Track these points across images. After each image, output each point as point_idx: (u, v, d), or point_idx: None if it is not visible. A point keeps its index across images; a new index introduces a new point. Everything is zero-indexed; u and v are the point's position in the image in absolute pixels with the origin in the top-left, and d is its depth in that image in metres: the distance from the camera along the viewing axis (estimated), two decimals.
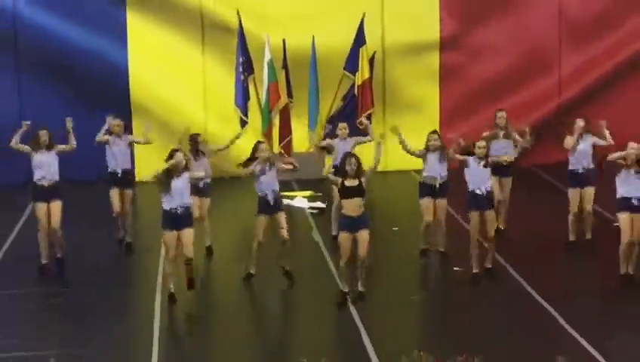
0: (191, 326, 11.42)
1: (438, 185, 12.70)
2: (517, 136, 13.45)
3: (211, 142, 14.54)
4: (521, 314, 11.25)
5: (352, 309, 11.28)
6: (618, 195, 11.70)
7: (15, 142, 12.64)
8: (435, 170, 12.71)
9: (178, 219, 11.46)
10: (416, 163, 13.30)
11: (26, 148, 12.63)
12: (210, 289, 11.87)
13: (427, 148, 12.73)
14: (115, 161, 13.48)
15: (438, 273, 12.94)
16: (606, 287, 11.79)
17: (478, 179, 12.01)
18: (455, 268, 12.42)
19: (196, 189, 12.77)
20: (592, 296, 11.63)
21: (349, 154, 11.56)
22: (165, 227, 11.58)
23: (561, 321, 10.81)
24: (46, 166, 12.57)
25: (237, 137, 13.49)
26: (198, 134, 13.37)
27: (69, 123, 12.77)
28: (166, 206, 11.49)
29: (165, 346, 10.48)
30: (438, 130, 17.42)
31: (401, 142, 12.70)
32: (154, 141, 13.79)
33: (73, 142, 12.75)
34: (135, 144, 13.97)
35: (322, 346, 10.32)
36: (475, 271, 12.15)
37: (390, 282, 12.21)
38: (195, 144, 13.05)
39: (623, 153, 11.56)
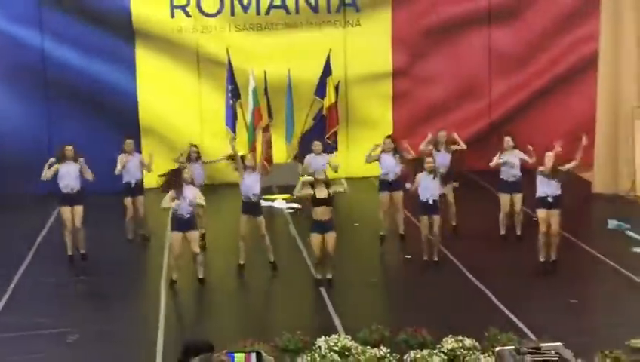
0: (190, 305, 11.46)
1: (392, 181, 12.88)
2: (453, 147, 13.61)
3: (207, 154, 14.54)
4: (460, 292, 11.35)
5: (322, 290, 11.35)
6: (537, 194, 11.83)
7: (44, 175, 12.60)
8: (390, 167, 12.87)
9: (185, 223, 11.47)
10: (375, 170, 13.39)
11: (54, 168, 12.54)
12: (206, 276, 11.86)
13: (383, 150, 12.89)
14: (129, 174, 13.51)
15: (392, 260, 13.02)
16: (528, 270, 11.89)
17: (428, 190, 12.09)
18: (406, 256, 12.51)
19: None
20: (517, 277, 11.76)
21: (318, 171, 11.77)
22: (173, 229, 11.59)
23: (493, 298, 10.93)
24: (69, 176, 12.54)
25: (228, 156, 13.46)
26: (195, 145, 13.50)
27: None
28: (176, 212, 11.49)
29: (170, 321, 10.53)
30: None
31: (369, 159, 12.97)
32: (152, 170, 13.63)
33: (91, 175, 12.71)
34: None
35: (298, 321, 10.34)
36: (425, 258, 12.25)
37: (353, 267, 12.27)
38: (193, 153, 13.15)
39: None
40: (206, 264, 11.96)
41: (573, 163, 11.89)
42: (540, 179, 11.78)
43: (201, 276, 11.69)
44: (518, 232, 13.36)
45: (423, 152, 12.92)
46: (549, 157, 11.69)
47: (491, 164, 13.17)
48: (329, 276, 11.53)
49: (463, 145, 13.61)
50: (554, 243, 11.88)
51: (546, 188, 11.73)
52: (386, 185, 13.05)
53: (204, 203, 12.11)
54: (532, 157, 12.78)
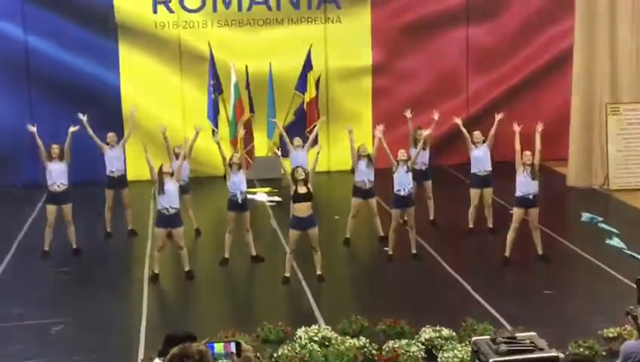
0: (173, 296, 11.47)
1: (367, 188, 12.75)
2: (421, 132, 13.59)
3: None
4: (438, 284, 11.43)
5: (303, 283, 11.37)
6: (517, 194, 11.80)
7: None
8: (364, 175, 12.73)
9: (169, 219, 11.44)
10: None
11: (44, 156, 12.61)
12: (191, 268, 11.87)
13: (358, 156, 12.76)
14: (112, 164, 13.48)
15: (371, 252, 13.07)
16: (501, 262, 11.97)
17: (401, 182, 12.09)
18: (385, 249, 12.56)
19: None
20: (493, 269, 11.84)
21: (297, 167, 11.56)
22: (158, 224, 11.56)
23: (470, 289, 11.02)
24: (57, 174, 12.51)
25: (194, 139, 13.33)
26: (178, 146, 13.46)
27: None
28: (159, 206, 11.47)
29: (152, 312, 10.53)
30: (370, 138, 17.77)
31: (350, 140, 12.75)
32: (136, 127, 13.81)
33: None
34: (126, 146, 13.92)
35: (279, 312, 10.43)
36: (390, 253, 12.25)
37: (333, 260, 12.26)
38: (177, 152, 13.16)
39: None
40: (190, 257, 11.95)
41: (537, 153, 11.87)
42: (520, 179, 11.77)
43: (187, 269, 11.67)
44: (490, 225, 13.42)
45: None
46: (528, 156, 11.71)
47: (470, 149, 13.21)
48: (319, 272, 11.45)
49: (429, 131, 13.46)
50: (537, 238, 11.92)
51: (527, 187, 11.73)
52: (359, 191, 12.89)
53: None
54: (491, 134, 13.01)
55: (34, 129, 12.80)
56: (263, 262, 12.25)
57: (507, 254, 11.90)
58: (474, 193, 13.36)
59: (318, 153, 12.02)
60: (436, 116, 13.60)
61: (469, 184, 13.57)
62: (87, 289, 11.42)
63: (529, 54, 18.56)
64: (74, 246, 12.76)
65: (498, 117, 13.20)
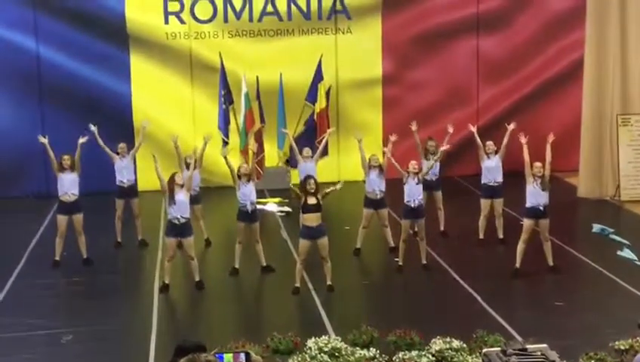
0: (183, 306, 11.45)
1: (377, 198, 12.71)
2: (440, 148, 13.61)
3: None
4: (448, 295, 11.38)
5: (313, 293, 11.34)
6: (527, 205, 11.73)
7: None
8: (375, 184, 12.70)
9: (179, 228, 11.43)
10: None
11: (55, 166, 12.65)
12: (201, 278, 11.85)
13: (369, 166, 12.73)
14: (122, 175, 13.50)
15: (381, 263, 13.03)
16: (512, 273, 11.90)
17: (412, 193, 12.05)
18: (395, 259, 12.51)
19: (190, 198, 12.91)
20: (504, 280, 11.78)
21: (308, 177, 11.48)
22: (168, 234, 11.54)
23: (481, 301, 10.97)
24: (68, 185, 12.53)
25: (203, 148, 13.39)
26: (189, 156, 13.47)
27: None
28: (170, 216, 11.46)
29: (162, 322, 10.51)
30: (380, 148, 17.74)
31: (360, 150, 12.73)
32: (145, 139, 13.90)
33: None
34: (136, 156, 13.97)
35: (289, 323, 10.38)
36: (400, 263, 12.20)
37: (343, 270, 12.22)
38: (188, 162, 13.18)
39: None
40: (200, 267, 11.93)
41: (547, 165, 11.83)
42: (530, 190, 11.71)
43: (197, 279, 11.66)
44: (501, 236, 13.37)
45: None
46: (538, 167, 11.66)
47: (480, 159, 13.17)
48: (329, 282, 11.40)
49: (445, 147, 13.37)
50: (548, 249, 11.87)
51: (537, 198, 11.68)
52: (370, 202, 12.85)
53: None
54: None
55: (45, 140, 12.83)
56: (273, 273, 12.22)
57: (517, 265, 11.84)
58: (484, 203, 13.31)
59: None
60: (451, 129, 13.51)
61: (479, 194, 13.52)
62: (98, 299, 11.41)
63: (540, 65, 18.53)
64: (84, 256, 12.76)
65: (510, 127, 13.16)
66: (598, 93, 16.26)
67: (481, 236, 13.36)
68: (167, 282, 11.57)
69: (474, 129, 13.56)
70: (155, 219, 14.71)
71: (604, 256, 12.52)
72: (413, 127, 13.61)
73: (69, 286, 12.01)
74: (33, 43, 17.16)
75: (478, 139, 13.35)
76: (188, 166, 13.10)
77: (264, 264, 12.27)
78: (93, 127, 13.31)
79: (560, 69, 18.51)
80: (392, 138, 12.82)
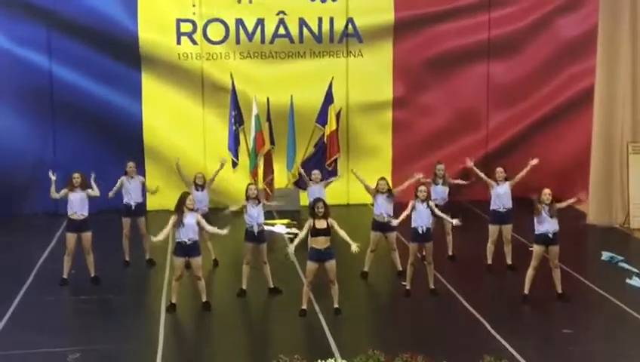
0: (190, 327, 11.41)
1: (385, 221, 12.64)
2: (452, 181, 13.62)
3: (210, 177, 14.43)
4: (456, 320, 11.31)
5: (320, 316, 11.30)
6: (537, 231, 11.66)
7: (53, 192, 12.67)
8: (383, 208, 12.68)
9: (187, 249, 11.42)
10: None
11: (62, 193, 12.61)
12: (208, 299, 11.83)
13: (377, 191, 12.72)
14: (129, 196, 13.50)
15: (388, 287, 12.98)
16: (522, 299, 11.86)
17: (421, 218, 12.02)
18: (403, 283, 12.47)
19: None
20: (512, 306, 11.72)
21: (317, 200, 11.43)
22: (177, 254, 11.52)
23: (488, 326, 10.91)
24: (78, 203, 12.55)
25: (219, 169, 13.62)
26: (200, 172, 13.50)
27: (93, 176, 12.79)
28: (178, 238, 11.44)
29: (169, 342, 10.48)
30: (390, 171, 17.81)
31: (359, 180, 12.80)
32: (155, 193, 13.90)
33: (97, 191, 12.76)
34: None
35: (297, 344, 10.35)
36: (407, 287, 12.16)
37: (351, 293, 12.17)
38: (198, 180, 13.26)
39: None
40: (208, 287, 11.91)
41: (569, 201, 11.83)
42: (539, 217, 11.62)
43: (204, 300, 11.63)
44: (509, 261, 13.32)
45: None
46: (547, 194, 11.62)
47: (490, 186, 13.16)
48: (336, 305, 11.36)
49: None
50: (557, 277, 11.81)
51: (547, 225, 11.63)
52: (378, 225, 12.79)
53: (218, 230, 11.63)
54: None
55: (54, 178, 12.76)
56: (280, 294, 12.19)
57: (526, 291, 11.78)
58: (493, 229, 13.27)
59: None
60: (418, 176, 12.95)
61: (488, 220, 13.48)
62: (105, 318, 11.39)
63: (550, 92, 18.54)
64: (92, 274, 12.76)
65: (532, 162, 13.05)
66: (609, 121, 16.24)
67: (490, 261, 13.31)
68: (174, 302, 11.55)
69: (471, 163, 13.45)
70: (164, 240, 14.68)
71: (613, 284, 12.45)
72: (418, 176, 12.96)
73: (76, 305, 12.00)
74: (46, 61, 17.26)
75: (479, 172, 13.30)
76: (198, 187, 13.14)
77: (271, 286, 12.24)
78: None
79: (570, 96, 18.50)
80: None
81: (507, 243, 13.30)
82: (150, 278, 13.40)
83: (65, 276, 12.69)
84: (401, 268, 12.93)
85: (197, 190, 13.35)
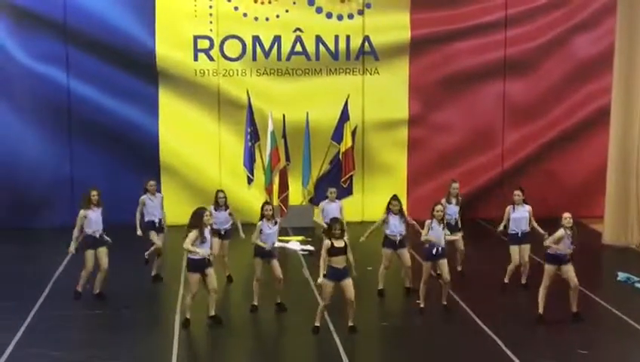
0: (202, 344, 11.40)
1: (398, 241, 12.62)
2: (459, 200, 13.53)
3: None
4: (469, 338, 11.25)
5: (334, 334, 11.26)
6: (551, 252, 11.61)
7: (73, 248, 12.61)
8: (396, 228, 12.61)
9: (202, 265, 11.43)
10: None
11: (80, 216, 12.49)
12: (221, 315, 11.82)
13: (389, 211, 12.62)
14: (152, 214, 13.56)
15: (401, 305, 12.92)
16: (535, 318, 11.79)
17: (436, 238, 11.96)
18: (417, 301, 12.41)
19: (219, 234, 12.96)
20: (526, 325, 11.66)
21: (334, 220, 11.38)
22: (192, 270, 11.49)
23: (502, 345, 10.84)
24: (95, 222, 12.56)
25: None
26: (222, 190, 13.50)
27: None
28: (197, 256, 11.38)
29: (182, 358, 10.47)
30: (405, 189, 17.79)
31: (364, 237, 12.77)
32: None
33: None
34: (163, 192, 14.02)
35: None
36: (422, 305, 12.14)
37: (365, 311, 12.08)
38: (220, 198, 13.16)
39: (556, 238, 11.51)
40: (219, 303, 11.89)
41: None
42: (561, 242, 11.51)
43: (213, 314, 11.62)
44: (524, 281, 13.24)
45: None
46: (568, 218, 11.53)
47: (506, 214, 13.06)
48: (351, 323, 11.26)
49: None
50: (574, 297, 11.69)
51: (565, 246, 11.54)
52: (391, 243, 12.71)
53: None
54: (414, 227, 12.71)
55: (73, 251, 12.74)
56: (286, 311, 12.14)
57: (540, 311, 11.71)
58: (513, 250, 13.10)
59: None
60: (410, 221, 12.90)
61: (507, 241, 13.30)
62: (119, 333, 11.39)
63: (566, 110, 18.51)
64: (97, 290, 12.69)
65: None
66: (625, 140, 16.17)
67: (507, 280, 13.22)
68: (188, 317, 11.54)
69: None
70: (179, 254, 14.71)
71: (630, 305, 12.35)
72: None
73: (91, 319, 12.00)
74: (64, 77, 17.39)
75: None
76: (219, 207, 13.13)
77: (278, 301, 12.23)
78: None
79: (586, 115, 18.47)
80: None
81: (524, 264, 13.21)
82: (165, 293, 13.41)
83: (80, 289, 12.70)
84: (408, 286, 12.90)
85: (217, 210, 13.30)
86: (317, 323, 11.32)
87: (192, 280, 11.49)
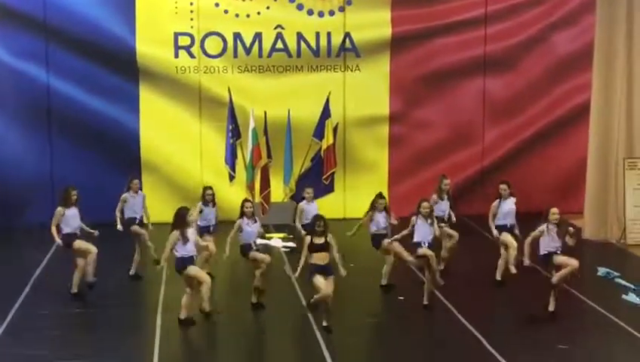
0: (183, 343, 11.33)
1: (384, 233, 12.53)
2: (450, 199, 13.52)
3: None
4: (452, 336, 11.26)
5: (316, 331, 11.22)
6: (543, 251, 11.59)
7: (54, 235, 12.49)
8: (381, 226, 12.53)
9: (189, 262, 11.33)
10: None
11: (58, 214, 12.40)
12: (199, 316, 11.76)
13: (374, 209, 12.54)
14: (133, 211, 13.49)
15: (384, 302, 12.90)
16: (519, 316, 11.79)
17: (423, 234, 11.95)
18: (399, 298, 12.41)
19: (207, 230, 12.98)
20: (508, 323, 11.67)
21: (317, 217, 11.30)
22: (180, 269, 11.33)
23: (484, 342, 10.85)
24: (73, 220, 12.46)
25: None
26: (210, 187, 13.41)
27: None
28: (181, 254, 11.29)
29: (164, 355, 10.41)
30: (386, 185, 17.78)
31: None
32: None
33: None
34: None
35: (291, 360, 10.28)
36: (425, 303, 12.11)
37: (347, 309, 12.08)
38: (207, 196, 13.08)
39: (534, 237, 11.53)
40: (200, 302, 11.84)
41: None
42: (548, 237, 11.52)
43: (207, 309, 11.50)
44: (513, 271, 13.05)
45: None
46: (555, 213, 11.52)
47: (492, 208, 13.05)
48: (325, 323, 11.14)
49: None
50: (570, 276, 11.68)
51: (551, 244, 11.54)
52: (379, 241, 12.59)
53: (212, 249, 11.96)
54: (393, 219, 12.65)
55: (59, 241, 12.56)
56: (264, 310, 12.08)
57: (498, 278, 11.94)
58: (505, 236, 12.85)
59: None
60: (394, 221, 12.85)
61: (496, 233, 13.18)
62: (100, 332, 11.32)
63: (546, 107, 18.54)
64: (74, 290, 12.53)
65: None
66: (604, 136, 16.23)
67: (499, 277, 13.15)
68: (188, 316, 11.40)
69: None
70: (159, 252, 14.62)
71: (610, 300, 12.40)
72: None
73: (72, 318, 11.90)
74: (44, 74, 17.23)
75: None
76: (207, 203, 13.06)
77: (254, 301, 12.13)
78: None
79: (566, 111, 18.51)
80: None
81: (514, 248, 12.99)
82: (147, 291, 13.33)
83: (75, 290, 12.54)
84: (385, 283, 12.87)
85: (206, 206, 13.24)
86: (325, 323, 11.12)
87: (185, 278, 11.38)
